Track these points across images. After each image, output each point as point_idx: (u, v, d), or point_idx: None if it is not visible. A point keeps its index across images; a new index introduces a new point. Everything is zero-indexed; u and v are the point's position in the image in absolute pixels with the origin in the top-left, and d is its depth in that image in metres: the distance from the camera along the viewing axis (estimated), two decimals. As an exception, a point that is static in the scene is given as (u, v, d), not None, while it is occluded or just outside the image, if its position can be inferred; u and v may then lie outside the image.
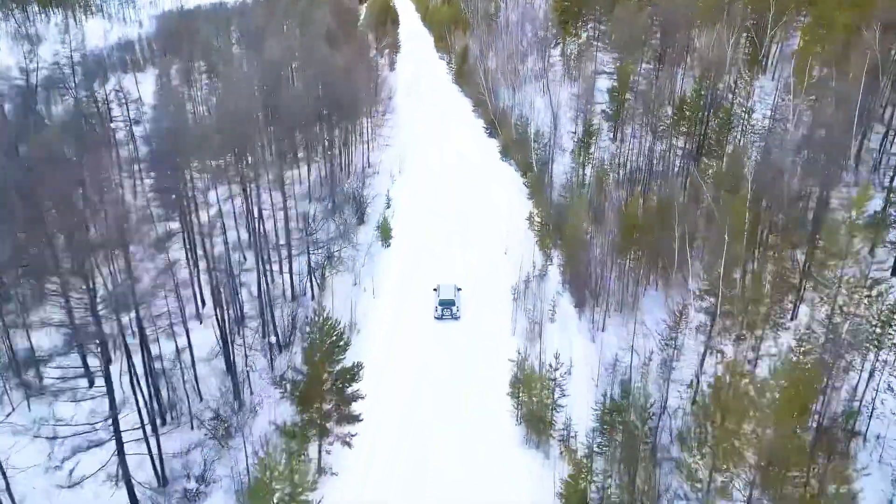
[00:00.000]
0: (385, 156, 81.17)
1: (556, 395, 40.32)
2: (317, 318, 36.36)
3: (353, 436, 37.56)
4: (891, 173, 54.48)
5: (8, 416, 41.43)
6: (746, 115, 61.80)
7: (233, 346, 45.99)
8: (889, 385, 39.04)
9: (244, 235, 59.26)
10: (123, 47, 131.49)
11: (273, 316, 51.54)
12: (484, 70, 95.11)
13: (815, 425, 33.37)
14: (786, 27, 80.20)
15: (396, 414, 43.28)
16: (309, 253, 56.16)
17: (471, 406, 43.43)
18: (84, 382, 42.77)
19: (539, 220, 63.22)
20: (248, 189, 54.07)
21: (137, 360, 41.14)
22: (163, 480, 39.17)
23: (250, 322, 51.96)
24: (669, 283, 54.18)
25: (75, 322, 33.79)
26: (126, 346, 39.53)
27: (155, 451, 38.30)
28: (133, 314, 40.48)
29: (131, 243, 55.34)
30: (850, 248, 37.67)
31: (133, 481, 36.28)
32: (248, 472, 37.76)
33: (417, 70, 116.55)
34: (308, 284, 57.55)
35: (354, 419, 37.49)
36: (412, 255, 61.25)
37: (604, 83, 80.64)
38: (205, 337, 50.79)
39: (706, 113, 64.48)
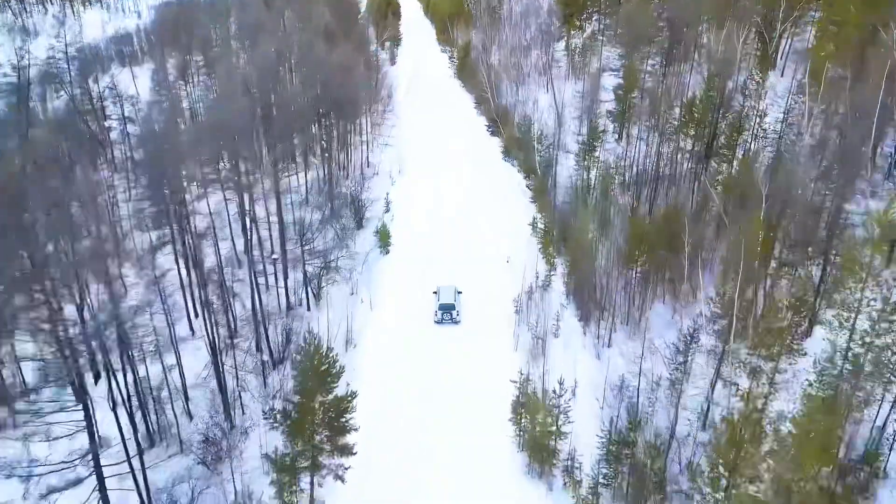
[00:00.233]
0: (385, 156, 79.07)
1: (560, 422, 38.48)
2: (308, 346, 34.48)
3: (346, 468, 35.78)
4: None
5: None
6: (758, 119, 59.45)
7: (223, 366, 44.15)
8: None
9: (238, 242, 57.36)
10: (121, 39, 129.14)
11: (266, 331, 49.73)
12: (486, 67, 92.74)
13: (835, 468, 31.46)
14: (796, 21, 77.72)
15: (393, 438, 41.51)
16: (304, 263, 54.21)
17: (471, 430, 41.63)
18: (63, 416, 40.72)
19: (542, 226, 61.22)
20: (243, 197, 52.09)
21: (124, 380, 39.44)
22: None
23: (243, 338, 50.20)
24: (677, 294, 52.29)
25: (47, 356, 31.94)
26: (109, 370, 37.85)
27: (141, 481, 36.59)
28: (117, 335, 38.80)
29: (116, 261, 54.15)
30: (871, 270, 35.56)
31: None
32: (236, 505, 36.20)
33: (419, 64, 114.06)
34: (304, 295, 55.72)
35: (348, 451, 35.67)
36: (411, 264, 59.24)
37: (609, 81, 78.34)
38: (197, 348, 49.22)
39: (716, 114, 62.11)
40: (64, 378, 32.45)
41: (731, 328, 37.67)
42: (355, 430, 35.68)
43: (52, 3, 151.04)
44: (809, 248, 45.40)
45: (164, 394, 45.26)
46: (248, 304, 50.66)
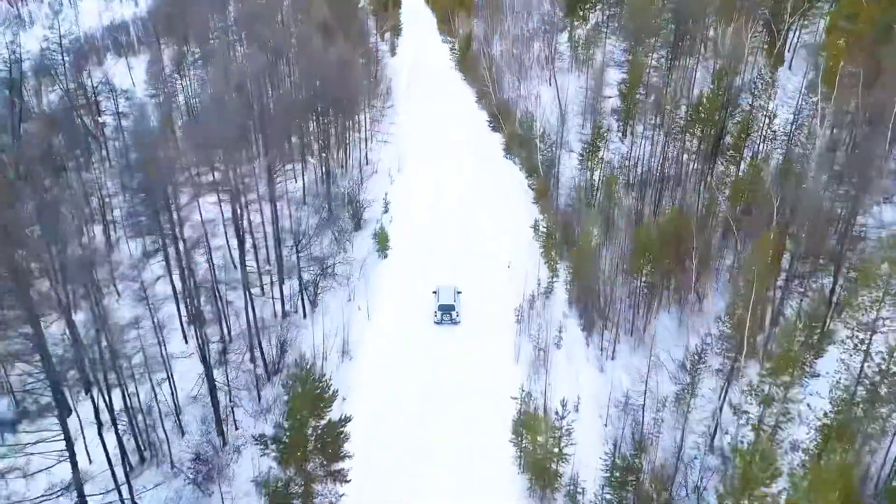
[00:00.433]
0: (384, 153, 77.26)
1: (562, 444, 37.08)
2: (300, 371, 33.08)
3: (340, 496, 34.50)
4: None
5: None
6: (768, 120, 57.63)
7: (215, 382, 42.79)
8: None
9: (232, 245, 55.80)
10: (117, 28, 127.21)
11: (260, 343, 48.35)
12: (488, 60, 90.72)
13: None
14: (805, 13, 75.78)
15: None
16: (300, 269, 52.76)
17: (470, 449, 40.12)
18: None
19: (545, 229, 59.62)
20: (235, 207, 50.49)
21: (107, 399, 38.15)
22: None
23: (237, 350, 48.82)
24: (683, 303, 50.83)
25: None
26: (99, 386, 36.54)
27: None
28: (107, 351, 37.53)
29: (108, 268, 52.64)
30: (889, 288, 33.98)
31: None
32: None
33: (419, 55, 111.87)
34: (300, 302, 54.30)
35: (342, 478, 34.36)
36: (410, 268, 57.63)
37: (614, 76, 76.47)
38: (190, 360, 47.92)
39: (724, 111, 60.18)
40: (44, 407, 31.02)
41: (742, 350, 36.18)
42: (350, 456, 34.31)
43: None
44: (821, 260, 43.79)
45: (155, 409, 44.07)
46: (242, 312, 49.29)
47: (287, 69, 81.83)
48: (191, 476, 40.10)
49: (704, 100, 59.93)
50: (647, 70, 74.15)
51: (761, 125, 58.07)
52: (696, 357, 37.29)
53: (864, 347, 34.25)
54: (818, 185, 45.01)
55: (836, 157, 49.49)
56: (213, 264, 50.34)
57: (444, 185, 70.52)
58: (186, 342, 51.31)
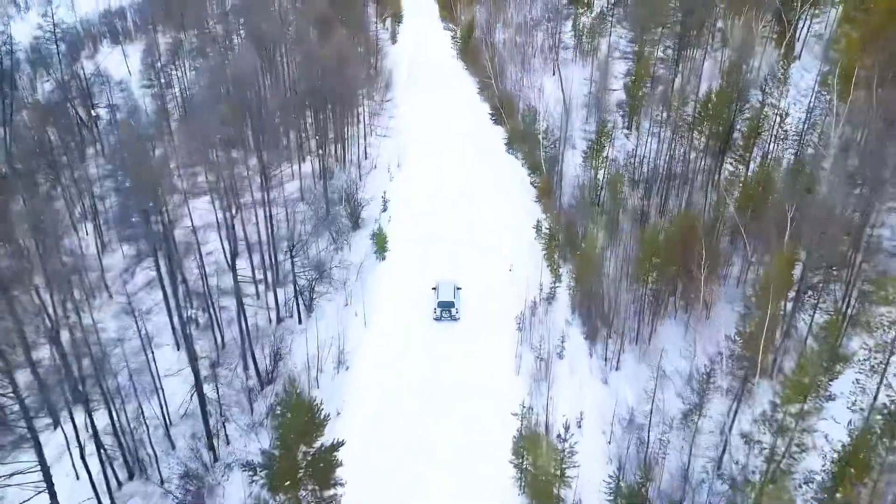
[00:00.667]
0: (383, 149, 75.29)
1: (564, 466, 35.60)
2: (289, 398, 31.58)
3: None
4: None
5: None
6: (779, 119, 55.59)
7: (204, 398, 41.38)
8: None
9: (226, 249, 54.23)
10: (114, 14, 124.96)
11: (253, 353, 46.86)
12: (490, 50, 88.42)
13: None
14: (816, 2, 73.50)
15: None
16: (294, 274, 51.20)
17: (470, 469, 38.74)
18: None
19: (547, 230, 57.87)
20: (226, 214, 48.86)
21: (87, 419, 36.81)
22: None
23: (228, 361, 47.40)
24: (690, 310, 49.19)
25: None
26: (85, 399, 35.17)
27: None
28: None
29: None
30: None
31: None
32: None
33: (420, 43, 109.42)
34: (294, 307, 52.78)
35: (334, 505, 32.99)
36: (409, 272, 55.86)
37: (619, 68, 74.32)
38: (182, 369, 46.54)
39: (734, 107, 58.01)
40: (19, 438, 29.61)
41: (755, 373, 34.57)
42: (342, 485, 32.88)
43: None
44: (834, 270, 42.01)
45: (144, 423, 42.78)
46: (235, 319, 47.82)
47: (283, 60, 79.66)
48: (179, 496, 38.83)
49: (713, 96, 57.89)
50: (654, 62, 71.94)
51: (773, 124, 56.04)
52: (705, 377, 35.67)
53: (880, 369, 32.63)
54: (832, 191, 43.00)
55: (849, 157, 47.44)
56: (204, 271, 48.84)
57: (446, 175, 68.85)
58: (178, 349, 49.95)
